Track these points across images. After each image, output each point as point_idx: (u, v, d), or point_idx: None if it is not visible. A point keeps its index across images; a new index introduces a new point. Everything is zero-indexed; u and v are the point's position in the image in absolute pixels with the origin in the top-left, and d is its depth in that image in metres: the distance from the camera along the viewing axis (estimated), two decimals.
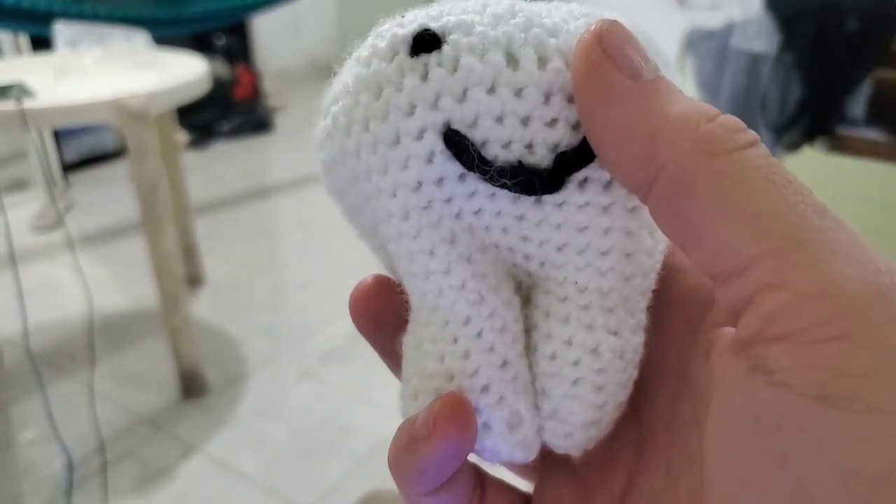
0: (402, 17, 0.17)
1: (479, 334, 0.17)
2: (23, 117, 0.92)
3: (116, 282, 1.55)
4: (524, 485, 0.21)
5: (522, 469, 0.21)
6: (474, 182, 0.16)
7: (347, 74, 0.17)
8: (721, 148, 0.14)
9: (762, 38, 1.34)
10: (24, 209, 1.81)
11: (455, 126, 0.15)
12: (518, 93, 0.15)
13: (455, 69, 0.15)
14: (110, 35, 1.20)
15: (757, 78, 1.37)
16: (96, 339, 1.29)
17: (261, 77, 2.71)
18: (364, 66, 0.16)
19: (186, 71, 1.16)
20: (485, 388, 0.17)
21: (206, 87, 1.17)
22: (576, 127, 0.16)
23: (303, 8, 2.61)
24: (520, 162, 0.15)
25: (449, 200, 0.16)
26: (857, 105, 1.35)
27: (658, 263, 0.18)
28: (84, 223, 1.83)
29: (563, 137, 0.16)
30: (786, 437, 0.12)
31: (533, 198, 0.16)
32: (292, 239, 1.79)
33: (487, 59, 0.15)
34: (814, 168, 1.06)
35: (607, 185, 0.16)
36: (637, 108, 0.14)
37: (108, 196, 1.98)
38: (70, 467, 0.97)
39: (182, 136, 2.33)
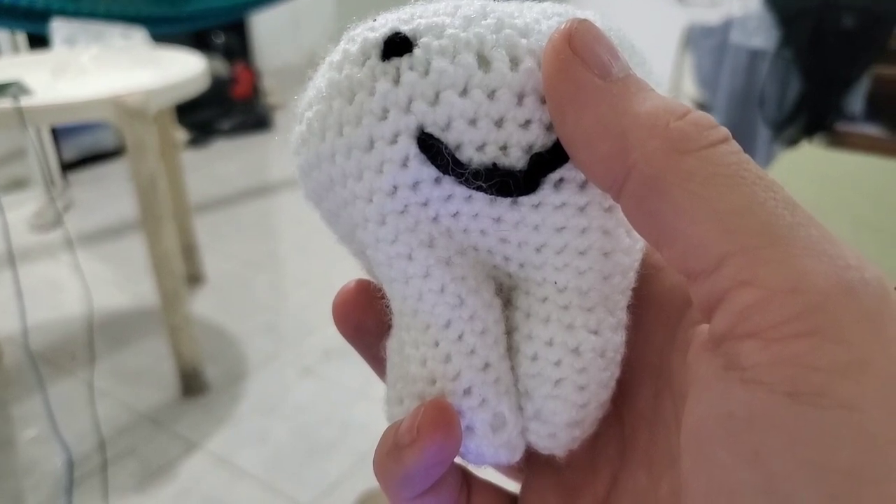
0: (374, 20, 0.16)
1: (460, 337, 0.17)
2: (20, 115, 0.92)
3: (116, 280, 1.55)
4: (511, 485, 0.21)
5: (508, 470, 0.21)
6: (450, 185, 0.16)
7: (321, 79, 0.17)
8: (691, 145, 0.13)
9: (761, 35, 1.34)
10: (23, 208, 1.81)
11: (429, 129, 0.15)
12: (491, 95, 0.15)
13: (427, 72, 0.15)
14: (108, 33, 1.20)
15: (756, 74, 1.37)
16: (96, 337, 1.29)
17: (260, 75, 2.70)
18: (336, 71, 0.16)
19: (185, 69, 1.15)
20: (467, 391, 0.17)
21: (204, 84, 1.17)
22: (550, 128, 0.15)
23: (302, 6, 2.61)
24: (494, 164, 0.15)
25: (425, 204, 0.16)
26: (856, 101, 1.35)
27: (637, 262, 0.18)
28: (83, 222, 1.83)
29: (538, 138, 0.15)
30: (757, 434, 0.12)
31: (509, 199, 0.16)
32: (292, 237, 1.79)
33: (459, 61, 0.15)
34: (812, 164, 1.06)
35: (583, 185, 0.16)
36: (607, 107, 0.14)
37: (107, 195, 1.98)
38: (70, 465, 0.97)
39: (181, 135, 2.33)
